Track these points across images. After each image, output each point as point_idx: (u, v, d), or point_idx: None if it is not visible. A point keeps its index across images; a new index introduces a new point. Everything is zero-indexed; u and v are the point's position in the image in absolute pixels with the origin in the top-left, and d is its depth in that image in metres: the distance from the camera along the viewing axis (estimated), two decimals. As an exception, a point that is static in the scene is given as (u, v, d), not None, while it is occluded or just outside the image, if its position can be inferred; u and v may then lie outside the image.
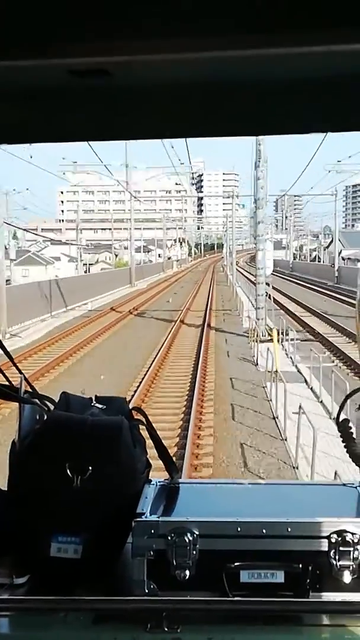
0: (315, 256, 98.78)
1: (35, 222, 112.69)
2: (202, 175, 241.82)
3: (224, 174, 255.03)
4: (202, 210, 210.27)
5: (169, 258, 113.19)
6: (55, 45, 0.92)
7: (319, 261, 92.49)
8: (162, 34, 0.90)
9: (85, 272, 70.67)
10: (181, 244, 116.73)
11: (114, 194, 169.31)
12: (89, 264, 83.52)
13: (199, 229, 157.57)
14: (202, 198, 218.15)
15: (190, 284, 64.39)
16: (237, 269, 60.49)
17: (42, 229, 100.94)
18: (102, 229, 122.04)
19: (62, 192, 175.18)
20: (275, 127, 1.23)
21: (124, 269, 69.34)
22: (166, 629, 1.41)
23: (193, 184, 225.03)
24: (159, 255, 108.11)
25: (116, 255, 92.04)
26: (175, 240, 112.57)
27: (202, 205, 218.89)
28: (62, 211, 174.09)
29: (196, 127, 1.25)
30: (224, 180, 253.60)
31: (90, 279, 54.56)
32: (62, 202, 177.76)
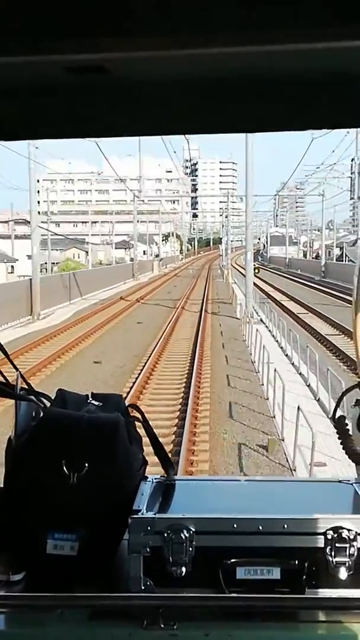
0: (342, 254, 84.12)
1: (4, 214, 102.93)
2: (196, 163, 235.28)
3: (220, 162, 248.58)
4: (196, 202, 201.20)
5: (157, 256, 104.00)
6: (51, 42, 0.98)
7: (348, 260, 74.73)
8: (158, 31, 0.95)
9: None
10: (166, 239, 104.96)
11: (96, 184, 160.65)
12: (52, 264, 67.32)
13: (194, 217, 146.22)
14: (196, 188, 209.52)
15: (160, 313, 35.16)
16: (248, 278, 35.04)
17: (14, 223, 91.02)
18: (82, 222, 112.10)
19: (38, 181, 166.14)
20: (274, 124, 1.33)
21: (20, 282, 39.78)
22: (162, 626, 1.55)
23: (187, 174, 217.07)
24: (144, 252, 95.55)
25: (86, 253, 79.24)
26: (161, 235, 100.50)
27: (196, 196, 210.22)
28: (38, 202, 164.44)
29: (194, 123, 1.34)
30: (220, 169, 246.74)
31: None
32: (39, 191, 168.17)
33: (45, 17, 0.94)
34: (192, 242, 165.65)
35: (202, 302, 38.66)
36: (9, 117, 1.28)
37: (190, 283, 57.60)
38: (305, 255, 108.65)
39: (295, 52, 0.98)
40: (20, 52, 1.00)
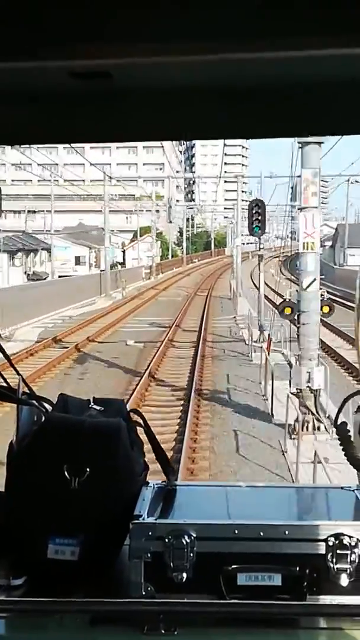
0: None
1: None
2: (193, 146, 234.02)
3: (226, 145, 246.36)
4: (192, 192, 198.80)
5: (117, 265, 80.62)
6: (56, 48, 1.17)
7: None
8: (164, 37, 1.15)
9: None
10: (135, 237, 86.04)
11: (40, 154, 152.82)
12: None
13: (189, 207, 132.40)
14: (192, 171, 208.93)
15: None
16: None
17: None
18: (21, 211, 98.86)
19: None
20: (276, 130, 1.57)
21: None
22: (163, 631, 1.81)
23: (181, 160, 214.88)
24: (77, 260, 76.89)
25: None
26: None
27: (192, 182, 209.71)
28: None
29: (197, 129, 1.60)
30: (226, 155, 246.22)
31: None
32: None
33: (50, 23, 1.11)
34: (183, 244, 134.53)
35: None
36: (13, 123, 1.53)
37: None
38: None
39: (300, 59, 1.18)
40: (25, 58, 1.17)
